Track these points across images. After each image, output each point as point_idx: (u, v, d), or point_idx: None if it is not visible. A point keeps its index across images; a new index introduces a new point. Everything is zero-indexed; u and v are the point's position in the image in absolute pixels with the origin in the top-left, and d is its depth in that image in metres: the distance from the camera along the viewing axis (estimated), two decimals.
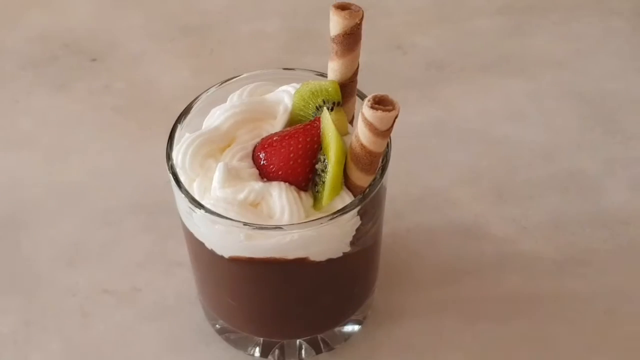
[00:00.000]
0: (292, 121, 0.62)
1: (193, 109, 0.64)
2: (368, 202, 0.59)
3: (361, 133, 0.56)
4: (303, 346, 0.68)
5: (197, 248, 0.62)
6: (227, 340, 0.69)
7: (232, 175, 0.59)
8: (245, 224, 0.57)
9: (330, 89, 0.60)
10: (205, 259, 0.62)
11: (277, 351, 0.68)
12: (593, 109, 0.87)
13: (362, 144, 0.57)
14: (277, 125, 0.62)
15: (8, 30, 0.96)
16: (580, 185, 0.81)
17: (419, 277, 0.74)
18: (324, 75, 0.65)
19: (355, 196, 0.59)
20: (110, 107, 0.88)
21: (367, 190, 0.59)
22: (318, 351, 0.69)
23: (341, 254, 0.61)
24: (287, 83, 0.65)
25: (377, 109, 0.54)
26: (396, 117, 0.55)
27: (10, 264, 0.75)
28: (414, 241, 0.76)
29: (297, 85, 0.63)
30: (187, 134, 0.63)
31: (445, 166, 0.82)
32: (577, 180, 0.81)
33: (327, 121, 0.59)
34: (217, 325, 0.70)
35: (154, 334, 0.71)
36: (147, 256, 0.76)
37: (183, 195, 0.59)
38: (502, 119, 0.86)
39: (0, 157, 0.84)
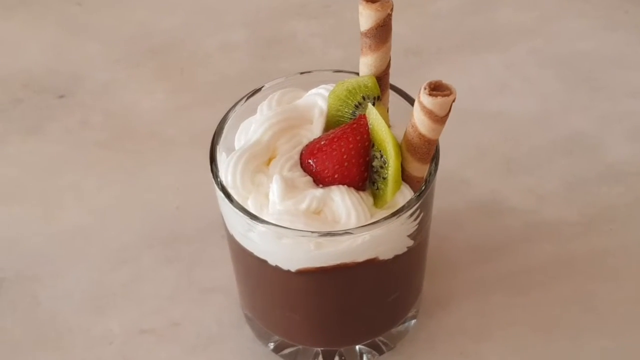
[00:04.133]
0: (329, 124, 0.62)
1: (225, 127, 0.62)
2: (429, 193, 0.59)
3: (419, 122, 0.56)
4: (364, 351, 0.68)
5: (256, 267, 0.61)
6: (284, 356, 0.68)
7: (289, 187, 0.58)
8: (314, 233, 0.56)
9: (369, 84, 0.60)
10: (266, 276, 0.61)
11: (337, 359, 0.68)
12: (573, 71, 0.90)
13: (420, 133, 0.57)
14: (315, 129, 0.62)
15: None
16: (583, 146, 0.83)
17: (454, 260, 0.75)
18: (342, 72, 0.65)
19: (412, 188, 0.59)
20: (92, 142, 0.85)
21: (428, 180, 0.59)
22: (380, 352, 0.68)
23: (406, 249, 0.61)
24: (308, 86, 0.65)
25: (435, 96, 0.54)
26: (454, 101, 0.55)
27: (34, 321, 0.72)
28: (441, 226, 0.76)
29: (328, 87, 0.63)
30: (223, 153, 0.61)
31: (449, 148, 0.82)
32: (578, 141, 0.83)
33: (376, 116, 0.58)
34: (270, 344, 0.68)
35: None
36: (176, 288, 0.74)
37: (241, 214, 0.57)
38: (490, 94, 0.88)
39: None
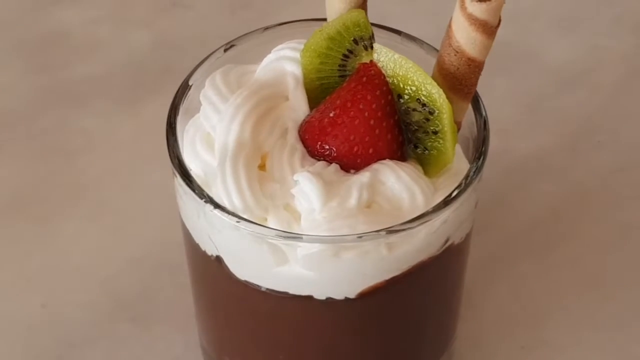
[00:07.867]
0: (310, 92, 0.61)
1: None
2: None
3: (467, 41, 0.57)
4: None
5: (285, 313, 0.60)
6: None
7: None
8: (382, 231, 0.55)
9: (361, 22, 0.60)
10: (306, 320, 0.60)
11: None
12: None
13: (468, 58, 0.58)
14: (297, 105, 0.60)
15: None
16: (515, 56, 0.88)
17: None
18: (271, 28, 0.64)
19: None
20: None
21: (485, 122, 0.60)
22: None
23: (472, 224, 0.62)
24: (244, 60, 0.63)
25: (485, 0, 0.56)
26: (503, 4, 0.57)
27: None
28: None
29: (293, 44, 0.62)
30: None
31: None
32: (508, 53, 0.88)
33: (393, 56, 0.59)
34: None
35: None
36: None
37: (274, 241, 0.56)
38: None
39: None
